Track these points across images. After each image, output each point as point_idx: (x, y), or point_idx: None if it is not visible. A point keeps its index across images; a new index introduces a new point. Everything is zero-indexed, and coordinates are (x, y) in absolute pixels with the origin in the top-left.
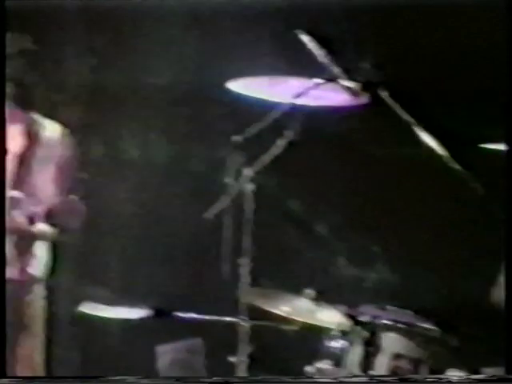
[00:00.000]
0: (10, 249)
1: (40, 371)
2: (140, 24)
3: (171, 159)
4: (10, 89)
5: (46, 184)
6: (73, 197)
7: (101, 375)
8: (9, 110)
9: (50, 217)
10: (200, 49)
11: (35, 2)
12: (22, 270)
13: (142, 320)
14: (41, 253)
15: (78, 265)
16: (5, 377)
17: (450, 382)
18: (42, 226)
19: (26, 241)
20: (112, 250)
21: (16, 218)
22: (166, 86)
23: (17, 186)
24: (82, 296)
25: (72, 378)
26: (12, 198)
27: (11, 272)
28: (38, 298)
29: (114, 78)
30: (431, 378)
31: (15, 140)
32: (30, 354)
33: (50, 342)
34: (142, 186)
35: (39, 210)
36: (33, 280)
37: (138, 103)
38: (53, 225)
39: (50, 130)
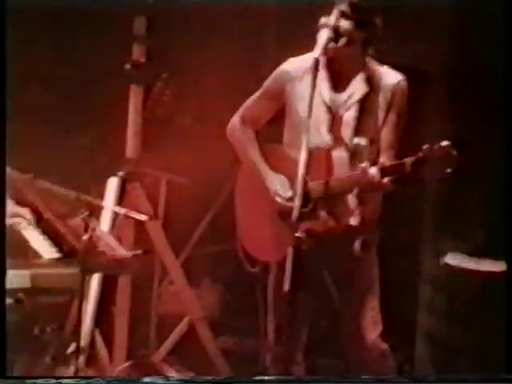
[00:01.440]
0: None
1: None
2: None
3: None
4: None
5: (386, 132)
6: (445, 143)
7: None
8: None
9: (416, 165)
10: None
11: None
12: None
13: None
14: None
15: (440, 215)
16: (5, 377)
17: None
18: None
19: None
20: (475, 200)
21: (367, 170)
22: None
23: (359, 133)
24: (445, 248)
25: (72, 377)
26: (356, 146)
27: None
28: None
29: None
30: (432, 378)
31: (360, 87)
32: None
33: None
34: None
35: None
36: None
37: None
38: (418, 174)
39: (390, 77)
